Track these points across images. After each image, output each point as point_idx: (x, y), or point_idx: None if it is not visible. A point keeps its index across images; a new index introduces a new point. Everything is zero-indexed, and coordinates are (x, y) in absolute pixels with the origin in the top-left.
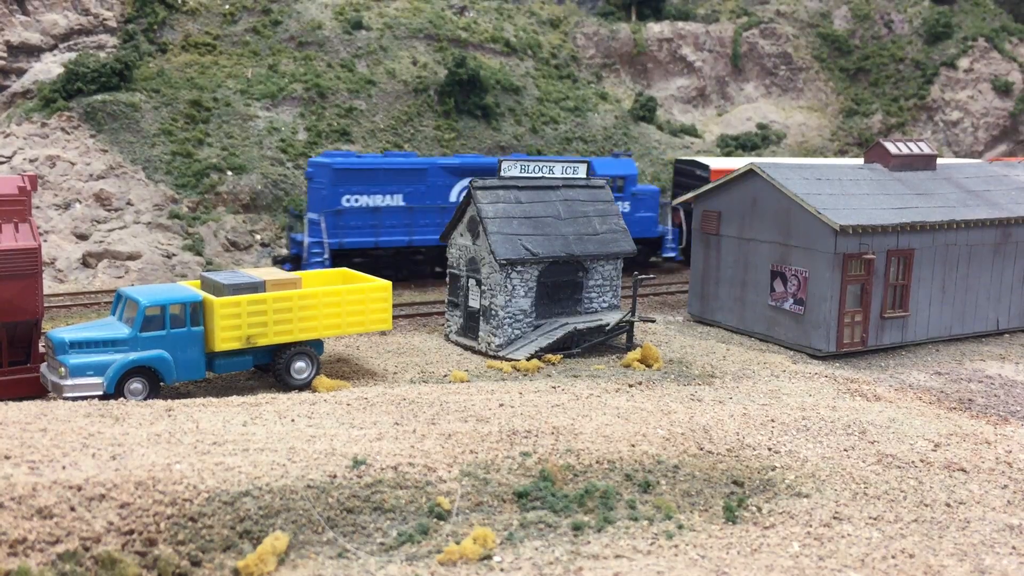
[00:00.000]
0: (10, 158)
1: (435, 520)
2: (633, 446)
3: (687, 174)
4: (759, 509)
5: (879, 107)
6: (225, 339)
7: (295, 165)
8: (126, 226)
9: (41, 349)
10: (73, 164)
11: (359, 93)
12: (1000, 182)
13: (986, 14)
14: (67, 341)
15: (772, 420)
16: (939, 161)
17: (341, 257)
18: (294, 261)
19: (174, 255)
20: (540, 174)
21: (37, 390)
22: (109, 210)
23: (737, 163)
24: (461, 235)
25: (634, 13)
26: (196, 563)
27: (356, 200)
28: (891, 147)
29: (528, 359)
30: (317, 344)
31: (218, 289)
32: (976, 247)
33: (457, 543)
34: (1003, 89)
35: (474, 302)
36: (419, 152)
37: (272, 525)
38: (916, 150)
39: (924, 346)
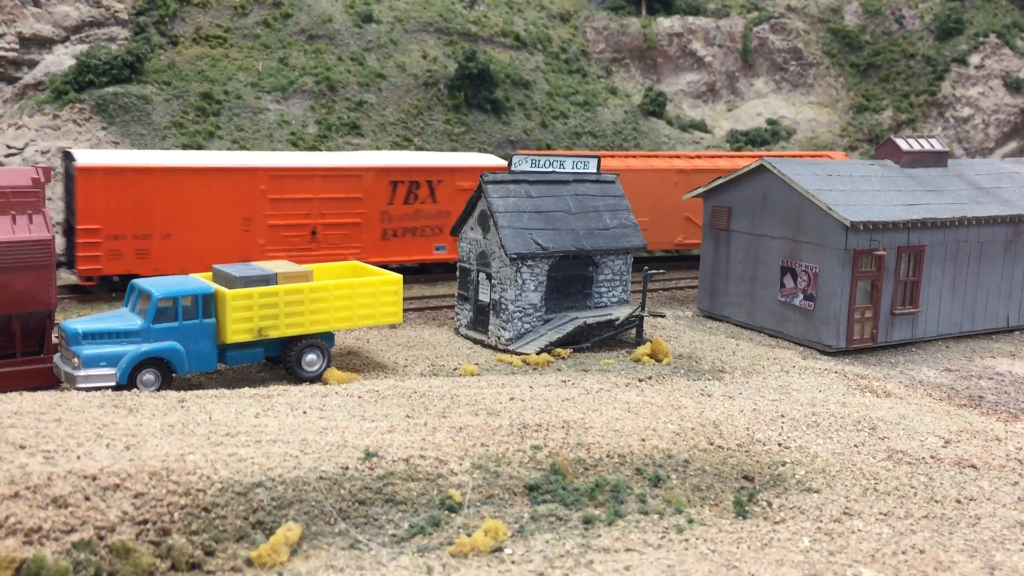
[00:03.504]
0: (22, 149)
1: (446, 512)
2: (643, 440)
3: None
4: (769, 504)
5: (889, 103)
6: (237, 331)
7: None
8: None
9: (54, 340)
10: None
11: (369, 86)
12: (1012, 179)
13: (998, 10)
14: (80, 332)
15: (782, 415)
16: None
17: None
18: None
19: None
20: (550, 168)
21: (50, 380)
22: None
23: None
24: (472, 229)
25: (644, 7)
26: (209, 553)
27: None
28: (902, 143)
29: (538, 353)
30: (328, 337)
31: (230, 281)
32: (987, 244)
33: (468, 535)
34: (1014, 86)
35: (484, 296)
36: (428, 146)
37: (285, 516)
38: (927, 146)
39: (934, 343)
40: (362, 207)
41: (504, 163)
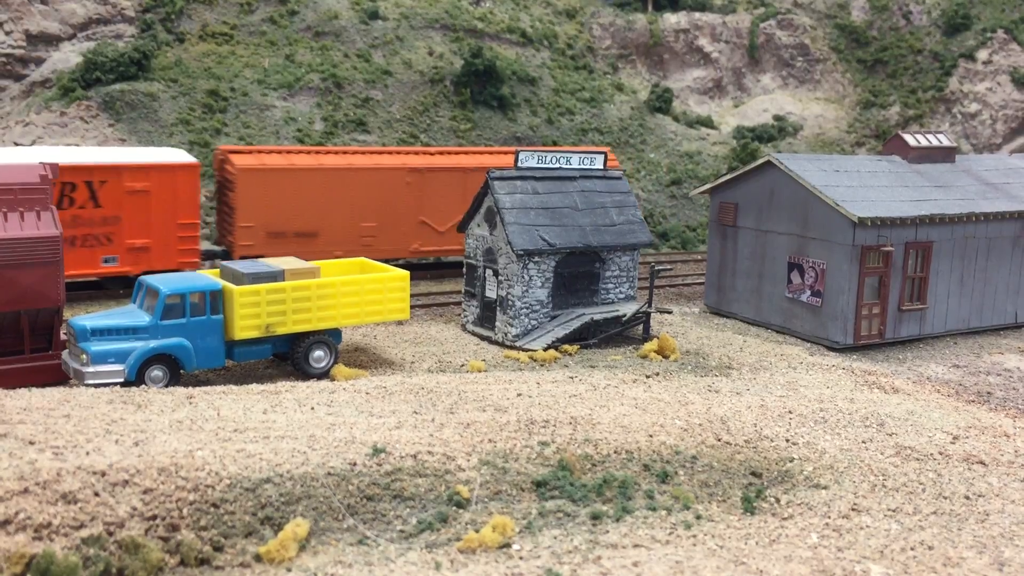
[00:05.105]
0: (30, 147)
1: (454, 508)
2: (651, 436)
3: None
4: (777, 500)
5: (897, 99)
6: (244, 327)
7: None
8: None
9: (63, 336)
10: None
11: (375, 83)
12: (1020, 174)
13: (1005, 5)
14: (88, 328)
15: (790, 412)
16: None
17: None
18: None
19: None
20: (557, 164)
21: (59, 377)
22: None
23: None
24: (478, 225)
25: (650, 4)
26: (218, 548)
27: None
28: (910, 139)
29: (545, 349)
30: (335, 333)
31: (238, 278)
32: (995, 240)
33: (476, 531)
34: (1022, 81)
35: (491, 292)
36: (434, 143)
37: (293, 512)
38: (935, 142)
39: (942, 339)
40: None
41: (192, 160)
